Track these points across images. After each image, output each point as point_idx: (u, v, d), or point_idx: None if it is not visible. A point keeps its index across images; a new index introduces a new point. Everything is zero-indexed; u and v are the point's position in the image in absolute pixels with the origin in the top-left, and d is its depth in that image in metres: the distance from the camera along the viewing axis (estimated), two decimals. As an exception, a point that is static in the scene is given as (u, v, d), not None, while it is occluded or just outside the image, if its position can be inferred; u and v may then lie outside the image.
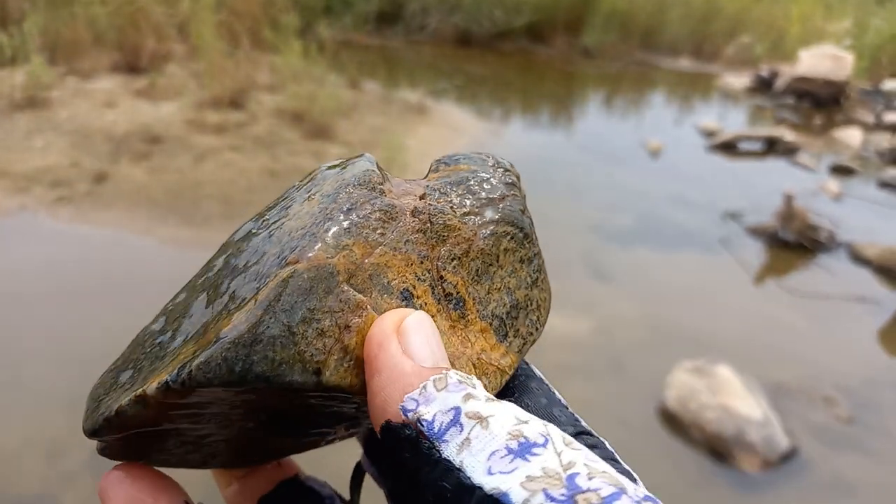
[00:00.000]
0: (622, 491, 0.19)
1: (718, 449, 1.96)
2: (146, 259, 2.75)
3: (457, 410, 0.22)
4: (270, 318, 0.23)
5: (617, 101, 6.24)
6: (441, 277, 0.27)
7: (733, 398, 2.05)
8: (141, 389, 0.24)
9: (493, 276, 0.29)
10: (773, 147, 4.83)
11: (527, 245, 0.30)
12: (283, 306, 0.23)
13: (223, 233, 2.94)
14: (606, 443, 0.28)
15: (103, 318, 2.35)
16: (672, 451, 1.97)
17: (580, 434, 0.28)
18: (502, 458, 0.21)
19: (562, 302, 2.68)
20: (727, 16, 7.57)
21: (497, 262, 0.29)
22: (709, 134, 5.03)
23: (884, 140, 5.07)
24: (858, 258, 3.27)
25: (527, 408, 0.29)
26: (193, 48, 4.89)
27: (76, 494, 1.69)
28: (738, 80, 6.64)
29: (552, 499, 0.19)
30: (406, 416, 0.23)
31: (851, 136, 5.16)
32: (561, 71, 6.93)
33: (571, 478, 0.20)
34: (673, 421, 2.07)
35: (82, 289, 2.50)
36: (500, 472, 0.21)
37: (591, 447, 0.27)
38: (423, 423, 0.23)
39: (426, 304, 0.27)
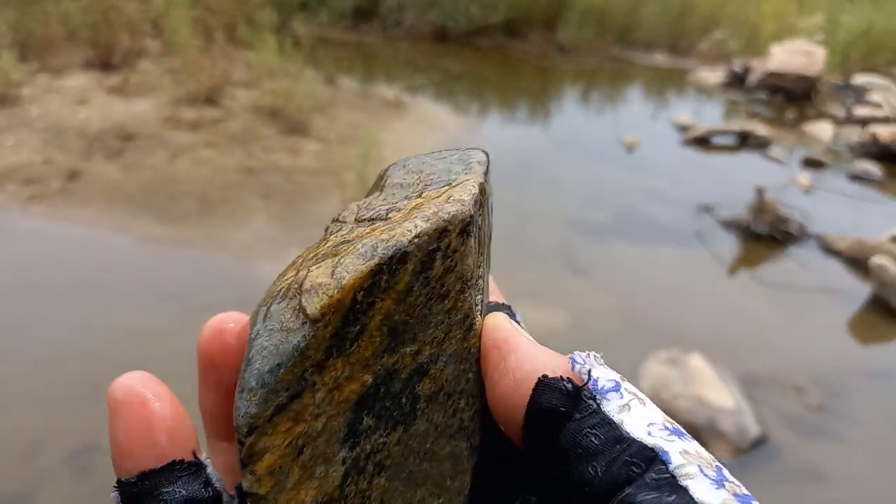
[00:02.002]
0: (753, 497, 0.21)
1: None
2: (121, 256, 2.73)
3: (618, 383, 0.25)
4: None
5: (593, 97, 6.29)
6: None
7: (706, 387, 2.08)
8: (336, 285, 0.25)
9: None
10: (745, 141, 4.90)
11: None
12: None
13: (200, 230, 2.92)
14: None
15: (79, 316, 2.33)
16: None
17: None
18: (661, 429, 0.23)
19: (538, 295, 2.71)
20: (701, 12, 7.65)
21: None
22: (683, 128, 5.09)
23: (854, 134, 5.16)
24: (829, 250, 3.33)
25: None
26: (168, 44, 4.85)
27: (52, 493, 1.68)
28: (712, 75, 6.72)
29: (705, 474, 0.21)
30: (573, 367, 0.25)
31: (822, 129, 5.25)
32: (537, 67, 6.96)
33: (719, 468, 0.22)
34: (647, 411, 2.10)
35: (57, 287, 2.48)
36: (661, 438, 0.22)
37: None
38: (591, 377, 0.25)
39: None
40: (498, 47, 7.28)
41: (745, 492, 0.21)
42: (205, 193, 3.23)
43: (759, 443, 2.01)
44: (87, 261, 2.69)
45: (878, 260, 2.92)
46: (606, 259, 3.13)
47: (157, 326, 2.26)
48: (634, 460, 0.22)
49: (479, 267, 0.28)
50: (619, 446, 0.22)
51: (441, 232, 0.25)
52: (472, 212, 0.27)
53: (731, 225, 3.49)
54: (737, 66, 6.69)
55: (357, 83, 5.31)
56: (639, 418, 0.23)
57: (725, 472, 0.22)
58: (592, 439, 0.23)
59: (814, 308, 2.89)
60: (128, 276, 2.58)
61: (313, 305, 0.24)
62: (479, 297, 0.28)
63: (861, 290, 3.00)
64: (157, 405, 0.25)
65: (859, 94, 6.04)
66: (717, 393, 2.07)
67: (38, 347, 2.16)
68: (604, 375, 0.25)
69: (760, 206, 3.42)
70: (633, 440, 0.22)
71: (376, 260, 0.24)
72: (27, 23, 4.72)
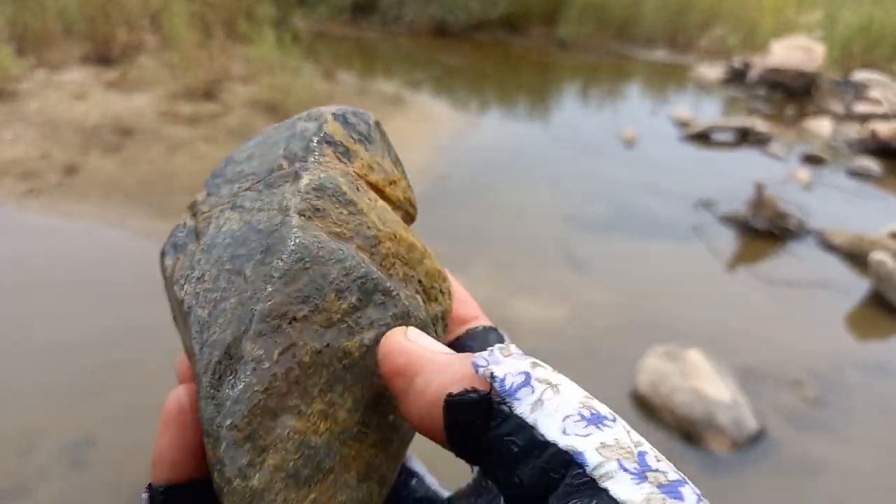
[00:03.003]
0: (685, 480, 0.20)
1: (689, 431, 1.99)
2: (118, 250, 2.73)
3: (527, 374, 0.23)
4: None
5: (592, 92, 6.28)
6: None
7: (703, 381, 2.08)
8: None
9: None
10: (745, 137, 4.90)
11: None
12: None
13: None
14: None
15: (75, 310, 2.33)
16: (644, 434, 2.00)
17: None
18: (576, 422, 0.21)
19: (536, 289, 2.71)
20: (701, 8, 7.64)
21: None
22: (682, 124, 5.09)
23: (853, 130, 5.16)
24: (827, 245, 3.33)
25: None
26: (166, 39, 4.84)
27: (49, 488, 1.68)
28: (712, 71, 6.71)
29: (625, 469, 0.20)
30: (477, 371, 0.23)
31: (822, 126, 5.24)
32: (537, 62, 6.95)
33: (642, 455, 0.20)
34: (645, 404, 2.10)
35: (53, 281, 2.47)
36: (576, 434, 0.21)
37: None
38: (496, 379, 0.23)
39: None
40: (498, 42, 7.27)
41: (674, 477, 0.20)
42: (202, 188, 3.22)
43: (756, 437, 2.01)
44: (84, 255, 2.69)
45: (876, 255, 2.92)
46: (605, 254, 3.13)
47: (153, 320, 2.25)
48: (551, 466, 0.21)
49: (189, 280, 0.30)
50: (536, 451, 0.21)
51: None
52: (163, 247, 0.34)
53: (729, 220, 3.49)
54: (736, 61, 6.68)
55: (356, 78, 5.30)
56: (553, 413, 0.22)
57: (650, 458, 0.20)
58: (512, 447, 0.22)
59: (812, 303, 2.89)
60: (124, 270, 2.57)
61: None
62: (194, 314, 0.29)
63: (859, 286, 3.00)
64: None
65: (858, 91, 6.03)
66: (715, 387, 2.07)
67: (34, 341, 2.16)
68: (511, 370, 0.23)
69: (759, 202, 3.42)
70: (548, 443, 0.21)
71: None
72: (24, 17, 4.71)
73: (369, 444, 0.28)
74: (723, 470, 1.90)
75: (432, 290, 0.34)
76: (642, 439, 0.22)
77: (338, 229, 0.30)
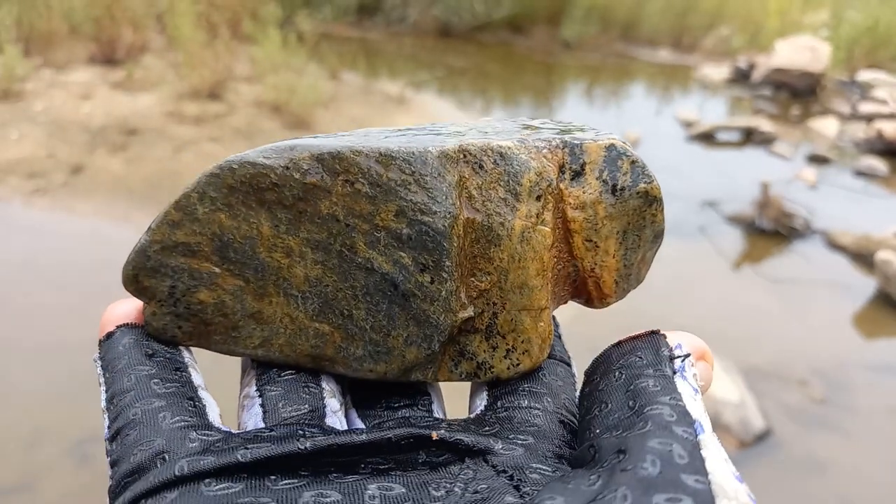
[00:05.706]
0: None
1: (695, 430, 1.99)
2: (124, 247, 2.73)
3: (696, 389, 0.25)
4: None
5: (597, 93, 6.28)
6: None
7: (709, 380, 2.08)
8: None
9: None
10: (750, 137, 4.89)
11: None
12: None
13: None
14: None
15: (82, 307, 2.33)
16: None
17: None
18: (706, 423, 0.23)
19: (541, 289, 2.70)
20: (706, 8, 7.62)
21: None
22: (687, 124, 5.08)
23: (859, 130, 5.14)
24: (833, 245, 3.32)
25: None
26: (171, 39, 4.85)
27: (55, 483, 1.68)
28: (717, 72, 6.70)
29: (727, 464, 0.22)
30: (676, 350, 0.27)
31: (827, 126, 5.23)
32: (541, 62, 6.95)
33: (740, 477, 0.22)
34: (650, 404, 2.10)
35: (60, 279, 2.48)
36: (707, 427, 0.23)
37: None
38: (681, 360, 0.26)
39: None
40: (502, 43, 7.27)
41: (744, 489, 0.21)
42: (208, 187, 3.22)
43: (763, 436, 2.00)
44: (90, 252, 2.70)
45: (883, 255, 2.91)
46: (610, 253, 3.12)
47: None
48: (673, 414, 0.22)
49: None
50: (667, 398, 0.23)
51: None
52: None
53: (735, 220, 3.48)
54: (741, 62, 6.67)
55: (360, 78, 5.30)
56: (693, 402, 0.24)
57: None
58: (651, 383, 0.24)
59: (818, 302, 2.88)
60: (131, 268, 2.58)
61: None
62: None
63: (866, 285, 2.99)
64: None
65: (864, 91, 6.01)
66: (722, 386, 2.07)
67: (39, 338, 2.17)
68: (690, 377, 0.26)
69: (765, 202, 3.41)
70: (681, 404, 0.23)
71: None
72: (30, 17, 4.72)
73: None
74: (729, 468, 1.90)
75: (500, 339, 0.28)
76: None
77: (475, 193, 0.27)
